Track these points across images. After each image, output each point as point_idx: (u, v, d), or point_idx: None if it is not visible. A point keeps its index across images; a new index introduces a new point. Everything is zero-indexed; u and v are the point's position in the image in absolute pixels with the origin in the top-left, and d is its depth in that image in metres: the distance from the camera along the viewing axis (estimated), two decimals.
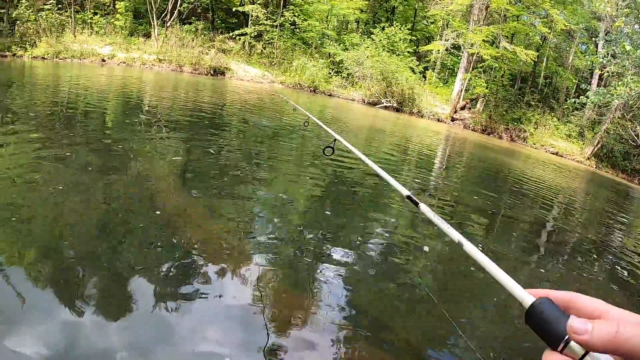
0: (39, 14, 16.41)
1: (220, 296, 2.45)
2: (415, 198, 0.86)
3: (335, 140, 2.36)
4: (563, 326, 0.38)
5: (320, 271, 3.02)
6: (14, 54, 14.39)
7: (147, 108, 8.05)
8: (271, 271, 2.85)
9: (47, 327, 1.96)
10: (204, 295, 2.41)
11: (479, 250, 0.54)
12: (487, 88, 19.16)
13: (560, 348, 0.37)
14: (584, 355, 0.36)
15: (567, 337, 0.37)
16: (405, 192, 0.92)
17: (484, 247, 4.38)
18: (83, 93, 8.69)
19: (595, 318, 0.38)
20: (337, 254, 3.37)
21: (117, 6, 18.83)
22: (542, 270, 4.27)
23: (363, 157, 1.52)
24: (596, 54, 23.40)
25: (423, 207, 0.79)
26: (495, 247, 4.57)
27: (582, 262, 4.90)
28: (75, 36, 17.16)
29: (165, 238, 2.97)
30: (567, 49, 25.08)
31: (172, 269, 2.61)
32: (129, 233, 2.94)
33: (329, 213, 4.29)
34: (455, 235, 0.61)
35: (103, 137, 5.41)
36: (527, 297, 0.42)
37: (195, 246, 2.96)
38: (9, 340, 1.82)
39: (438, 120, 18.12)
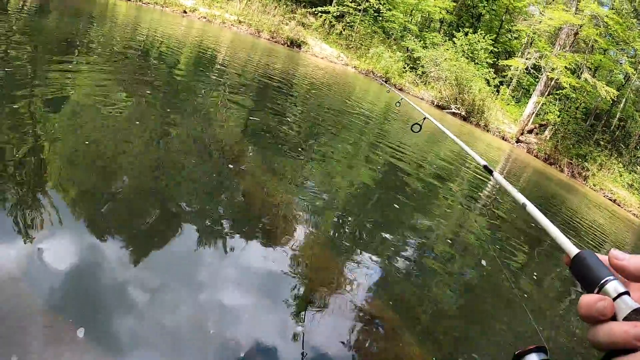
0: None
1: (260, 256, 2.44)
2: (490, 168, 0.96)
3: (425, 118, 2.36)
4: (602, 271, 0.42)
5: (361, 252, 3.00)
6: None
7: (219, 64, 8.13)
8: (311, 243, 2.83)
9: (80, 247, 1.97)
10: (244, 252, 2.41)
11: (540, 211, 0.61)
12: (559, 117, 18.43)
13: (595, 292, 0.41)
14: (616, 298, 0.40)
15: (602, 281, 0.41)
16: (482, 162, 1.07)
17: (520, 275, 4.26)
18: (160, 38, 8.85)
19: None
20: (382, 237, 3.35)
21: None
22: (573, 311, 4.10)
23: (449, 133, 1.65)
24: None
25: (496, 175, 0.89)
26: (536, 274, 4.39)
27: None
28: None
29: (210, 190, 2.99)
30: None
31: (218, 218, 2.62)
32: (176, 177, 2.98)
33: (379, 198, 4.24)
34: (521, 198, 0.70)
35: (170, 82, 5.50)
36: (574, 249, 0.47)
37: (240, 204, 2.97)
38: (55, 258, 1.84)
39: (503, 138, 17.62)
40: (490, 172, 0.96)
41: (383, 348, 2.13)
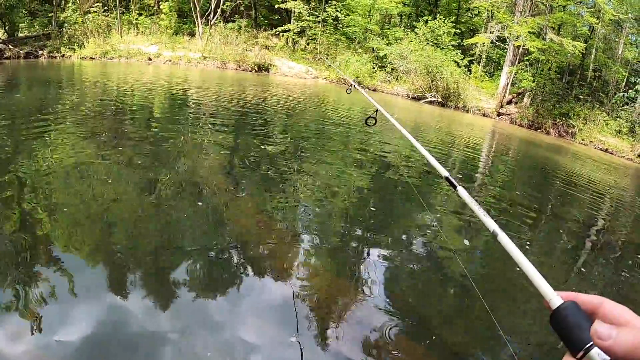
0: (86, 17, 17.09)
1: (263, 285, 2.55)
2: (453, 181, 0.83)
3: (377, 110, 2.28)
4: (586, 334, 0.38)
5: (362, 263, 3.10)
6: (63, 55, 15.03)
7: (192, 104, 8.30)
8: (313, 261, 2.94)
9: (95, 309, 2.08)
10: (247, 284, 2.51)
11: (514, 243, 0.53)
12: (534, 81, 18.64)
13: (579, 355, 0.37)
14: None
15: (587, 345, 0.37)
16: (444, 173, 0.89)
17: (526, 244, 4.37)
18: (130, 90, 9.05)
19: (620, 325, 0.38)
20: (380, 246, 3.45)
21: (161, 7, 19.34)
22: (584, 270, 4.24)
23: (405, 132, 1.37)
24: None
25: (461, 190, 0.77)
26: (537, 246, 4.55)
27: (628, 267, 4.75)
28: (121, 36, 17.75)
29: (210, 228, 3.10)
30: (617, 40, 23.97)
31: (216, 258, 2.70)
32: (174, 222, 3.08)
33: (372, 206, 4.35)
34: (491, 224, 0.59)
35: (149, 131, 5.67)
36: (555, 298, 0.42)
37: (240, 236, 3.07)
38: (57, 322, 1.94)
39: (484, 115, 17.79)
40: (454, 187, 0.82)
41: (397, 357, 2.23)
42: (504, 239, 0.55)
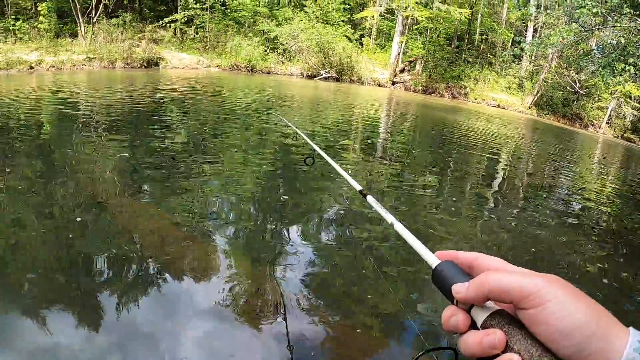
0: None
1: (190, 293, 2.45)
2: (364, 191, 0.91)
3: (314, 151, 1.88)
4: (455, 281, 0.42)
5: (283, 253, 3.03)
6: None
7: (83, 112, 7.51)
8: (235, 260, 2.88)
9: (23, 347, 1.92)
10: (172, 296, 2.41)
11: (403, 226, 0.59)
12: (424, 49, 19.49)
13: (455, 301, 0.41)
14: (472, 306, 0.40)
15: None
16: (358, 187, 0.97)
17: (438, 204, 4.52)
18: (15, 105, 8.12)
19: None
20: (296, 232, 3.41)
21: (39, 8, 17.85)
22: (496, 220, 4.39)
23: (335, 165, 1.30)
24: (527, 6, 24.19)
25: (370, 198, 0.85)
26: (449, 203, 4.65)
27: (533, 209, 5.02)
28: None
29: (123, 245, 2.85)
30: (501, 4, 25.76)
31: (137, 277, 2.53)
32: (85, 245, 2.83)
33: (283, 195, 4.21)
34: (390, 218, 0.66)
35: (41, 148, 5.06)
36: (433, 260, 0.45)
37: (156, 248, 2.90)
38: None
39: (379, 85, 18.36)
40: (364, 195, 0.91)
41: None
42: (398, 226, 0.62)
